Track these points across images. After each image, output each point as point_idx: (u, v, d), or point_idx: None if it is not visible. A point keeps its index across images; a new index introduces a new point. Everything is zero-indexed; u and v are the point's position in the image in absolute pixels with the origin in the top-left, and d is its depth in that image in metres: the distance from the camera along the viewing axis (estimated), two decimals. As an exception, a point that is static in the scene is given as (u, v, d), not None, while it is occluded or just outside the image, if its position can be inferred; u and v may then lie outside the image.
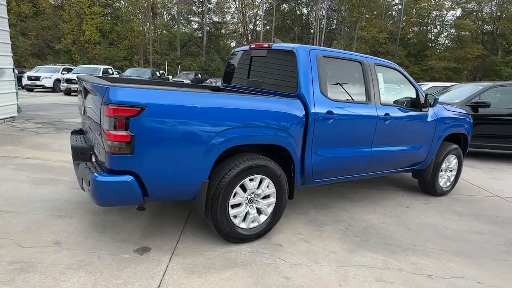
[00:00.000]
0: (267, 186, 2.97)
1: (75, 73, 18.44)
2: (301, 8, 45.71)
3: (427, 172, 4.51)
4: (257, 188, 2.92)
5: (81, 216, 3.22)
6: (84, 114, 2.87)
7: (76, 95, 16.69)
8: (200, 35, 41.49)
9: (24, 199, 3.48)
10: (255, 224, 2.99)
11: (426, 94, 4.16)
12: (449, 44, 36.26)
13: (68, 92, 17.49)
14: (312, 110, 3.11)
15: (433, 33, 39.52)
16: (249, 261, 2.70)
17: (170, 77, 27.77)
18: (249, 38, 44.32)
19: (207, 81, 29.22)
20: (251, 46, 3.89)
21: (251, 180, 2.85)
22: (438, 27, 38.93)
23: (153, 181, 2.42)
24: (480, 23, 36.35)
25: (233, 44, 49.22)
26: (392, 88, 4.21)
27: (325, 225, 3.51)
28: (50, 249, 2.61)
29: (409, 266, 2.82)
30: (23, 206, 3.32)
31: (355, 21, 35.72)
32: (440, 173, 4.66)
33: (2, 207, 3.27)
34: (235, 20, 43.97)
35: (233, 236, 2.86)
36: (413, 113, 4.04)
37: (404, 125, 3.97)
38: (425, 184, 4.68)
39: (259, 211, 3.01)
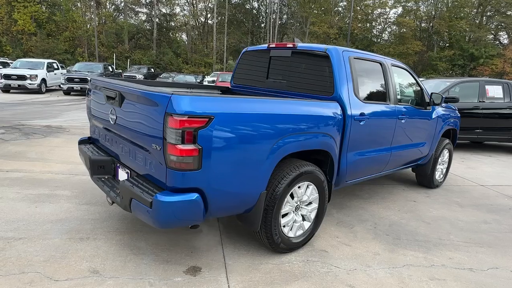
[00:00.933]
0: (312, 192, 2.90)
1: (15, 67, 16.54)
2: (251, 1, 45.65)
3: (427, 166, 4.76)
4: (303, 195, 2.84)
5: (105, 236, 2.87)
6: (114, 123, 2.54)
7: (15, 93, 15.01)
8: (149, 27, 39.56)
9: (29, 222, 3.01)
10: (300, 232, 2.91)
11: (431, 93, 4.36)
12: (391, 40, 38.73)
13: (7, 90, 15.63)
14: (349, 112, 3.09)
15: (378, 30, 42.04)
16: (306, 271, 2.61)
17: (120, 71, 26.14)
18: (201, 31, 43.30)
19: (161, 76, 28.06)
20: (270, 46, 3.74)
21: (299, 187, 2.76)
22: (382, 24, 41.45)
23: (217, 197, 2.22)
24: (418, 21, 39.32)
25: (184, 37, 47.78)
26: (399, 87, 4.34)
27: (354, 226, 3.53)
28: (91, 279, 2.29)
29: (448, 262, 2.94)
30: (32, 230, 2.88)
31: (306, 16, 36.58)
32: (437, 167, 4.94)
33: (7, 233, 2.80)
34: (186, 12, 42.63)
35: (283, 246, 2.76)
36: (421, 111, 4.22)
37: (415, 123, 4.13)
38: (424, 177, 4.93)
39: (303, 218, 2.93)
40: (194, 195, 2.09)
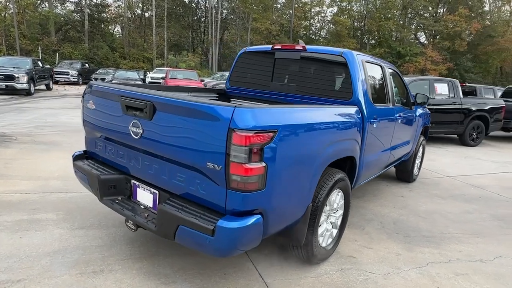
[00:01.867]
0: (340, 199, 2.86)
1: None
2: (190, -6, 44.34)
3: (409, 162, 5.04)
4: (334, 203, 2.79)
5: (121, 266, 2.50)
6: (139, 137, 2.18)
7: None
8: (80, 18, 36.19)
9: (21, 258, 2.50)
10: (330, 240, 2.86)
11: (416, 94, 4.61)
12: (329, 38, 40.64)
13: None
14: (366, 116, 3.10)
15: (316, 27, 43.86)
16: (347, 281, 2.57)
17: (49, 66, 23.54)
18: (138, 24, 40.87)
19: (98, 72, 25.95)
20: (275, 47, 3.59)
21: (331, 195, 2.70)
22: (320, 22, 43.32)
23: (274, 216, 2.06)
24: (352, 20, 41.80)
25: (117, 29, 44.68)
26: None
27: (365, 227, 3.59)
28: (130, 322, 1.97)
29: (460, 255, 3.13)
30: (29, 268, 2.39)
31: (248, 12, 36.63)
32: (416, 162, 5.27)
33: (-1, 275, 2.28)
34: (120, 3, 39.81)
35: (320, 257, 2.68)
36: (409, 111, 4.43)
37: (406, 123, 4.33)
38: (405, 173, 5.22)
39: (332, 226, 2.88)
40: (258, 218, 1.90)
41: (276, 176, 1.93)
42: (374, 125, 3.27)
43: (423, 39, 46.02)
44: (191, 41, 43.50)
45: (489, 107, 9.15)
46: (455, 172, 6.23)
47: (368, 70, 3.35)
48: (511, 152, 8.88)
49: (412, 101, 4.57)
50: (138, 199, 2.44)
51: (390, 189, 4.98)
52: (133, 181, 2.45)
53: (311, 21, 43.13)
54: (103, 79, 24.53)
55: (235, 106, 1.78)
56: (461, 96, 8.92)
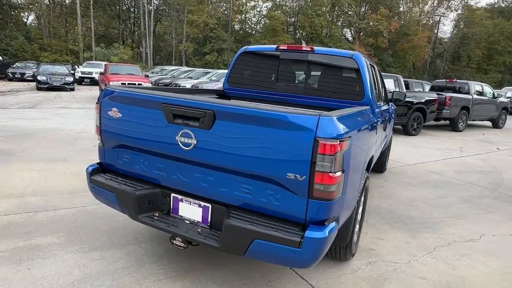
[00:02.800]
0: (362, 195, 3.00)
1: None
2: (117, -18, 41.31)
3: (384, 154, 5.45)
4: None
5: (161, 287, 2.31)
6: (192, 148, 2.01)
7: None
8: (-16, 3, 31.37)
9: (43, 292, 2.15)
10: (356, 236, 2.99)
11: (393, 91, 4.98)
12: (265, 33, 41.32)
13: None
14: (376, 115, 3.28)
15: (253, 22, 44.28)
16: (380, 273, 2.73)
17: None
18: (58, 11, 36.82)
19: (15, 66, 22.94)
20: (280, 48, 3.57)
21: (360, 194, 2.83)
22: (257, 16, 43.78)
23: (342, 221, 2.09)
24: (286, 16, 43.03)
25: (32, 18, 39.81)
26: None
27: (367, 219, 3.81)
28: None
29: (455, 237, 3.52)
30: (60, 303, 2.07)
31: (183, 4, 35.43)
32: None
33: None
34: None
35: (353, 253, 2.79)
36: (389, 107, 4.78)
37: (390, 118, 4.67)
38: (380, 164, 5.63)
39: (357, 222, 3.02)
40: (335, 225, 1.92)
41: (347, 182, 1.97)
42: (380, 123, 3.48)
43: (349, 35, 49.52)
44: (121, 32, 40.68)
45: (425, 99, 10.25)
46: (412, 161, 6.90)
47: (370, 70, 3.53)
48: (446, 140, 10.10)
49: (389, 98, 4.93)
50: (180, 214, 2.27)
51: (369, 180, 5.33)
52: (173, 195, 2.27)
53: (246, 15, 43.37)
54: (22, 74, 21.77)
55: (319, 114, 1.76)
56: (405, 90, 9.85)
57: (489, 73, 50.04)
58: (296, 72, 3.57)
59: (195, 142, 2.02)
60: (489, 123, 13.79)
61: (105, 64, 15.93)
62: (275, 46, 3.61)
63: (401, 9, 48.31)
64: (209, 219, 2.17)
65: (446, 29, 61.11)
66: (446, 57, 49.67)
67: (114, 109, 2.32)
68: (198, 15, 34.80)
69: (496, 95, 13.22)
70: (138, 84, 12.97)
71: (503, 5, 59.66)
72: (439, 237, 3.49)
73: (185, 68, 21.51)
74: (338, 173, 1.81)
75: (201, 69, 21.71)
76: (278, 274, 2.60)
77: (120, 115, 2.30)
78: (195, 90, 3.86)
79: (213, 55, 36.78)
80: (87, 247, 2.72)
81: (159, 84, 16.54)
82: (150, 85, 13.53)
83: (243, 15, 42.46)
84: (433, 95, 10.73)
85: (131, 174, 2.42)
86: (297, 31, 44.36)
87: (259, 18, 44.24)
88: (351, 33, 49.57)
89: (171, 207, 2.29)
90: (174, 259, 2.67)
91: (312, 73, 3.49)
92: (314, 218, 1.86)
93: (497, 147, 9.22)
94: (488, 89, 12.97)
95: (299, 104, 3.48)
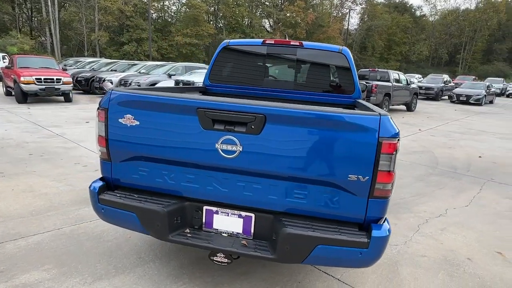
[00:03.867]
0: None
1: None
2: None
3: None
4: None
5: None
6: (236, 156, 1.83)
7: None
8: None
9: None
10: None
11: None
12: (186, 22, 39.82)
13: None
14: (363, 108, 3.44)
15: (172, 10, 42.32)
16: (389, 257, 2.91)
17: None
18: None
19: None
20: (266, 42, 3.46)
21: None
22: (176, 5, 41.93)
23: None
24: (207, 5, 42.08)
25: None
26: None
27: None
28: None
29: (428, 214, 3.93)
30: None
31: (93, -12, 32.06)
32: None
33: None
34: None
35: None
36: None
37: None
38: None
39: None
40: (387, 221, 1.96)
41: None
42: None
43: (267, 25, 50.77)
44: (17, 18, 35.22)
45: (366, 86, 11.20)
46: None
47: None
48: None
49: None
50: (215, 227, 2.08)
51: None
52: (206, 207, 2.07)
53: (164, 3, 41.26)
54: None
55: (379, 114, 1.76)
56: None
57: (390, 61, 56.56)
58: (284, 67, 3.53)
59: (240, 149, 1.86)
60: (404, 107, 15.60)
61: (11, 56, 13.67)
62: (260, 40, 3.50)
63: (315, 1, 51.23)
64: (251, 230, 2.04)
65: (353, 21, 66.88)
66: (355, 47, 54.39)
67: (128, 116, 2.00)
68: (111, 1, 31.86)
69: (409, 82, 14.99)
70: (57, 79, 11.47)
71: (397, 0, 67.59)
72: (416, 215, 3.86)
73: (106, 60, 19.62)
74: (394, 171, 1.85)
75: (126, 61, 20.13)
76: (304, 273, 2.59)
77: (137, 122, 1.99)
78: (176, 89, 3.52)
79: (132, 45, 34.26)
80: (90, 278, 2.33)
81: (78, 78, 14.87)
82: (70, 79, 12.04)
83: (161, 2, 40.28)
84: (371, 83, 11.77)
85: (149, 188, 2.13)
86: (219, 20, 43.88)
87: (179, 6, 42.53)
88: (270, 23, 50.92)
89: (204, 221, 2.09)
90: (193, 275, 2.46)
91: (301, 68, 3.48)
92: (373, 217, 1.88)
93: (418, 128, 10.49)
94: (403, 77, 14.64)
95: (289, 100, 3.45)
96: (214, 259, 2.02)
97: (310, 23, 44.14)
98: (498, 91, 26.94)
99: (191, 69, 14.54)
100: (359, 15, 61.03)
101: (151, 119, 1.98)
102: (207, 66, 17.16)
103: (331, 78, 3.44)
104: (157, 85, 12.12)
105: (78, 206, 3.46)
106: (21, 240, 2.73)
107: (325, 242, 1.80)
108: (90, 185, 2.17)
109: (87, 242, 2.78)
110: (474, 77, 32.98)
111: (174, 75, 13.92)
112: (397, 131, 1.80)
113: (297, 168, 1.85)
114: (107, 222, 2.19)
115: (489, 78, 31.59)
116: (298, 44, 3.44)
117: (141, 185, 2.14)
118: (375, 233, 1.80)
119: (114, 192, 2.15)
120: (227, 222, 2.06)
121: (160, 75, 13.96)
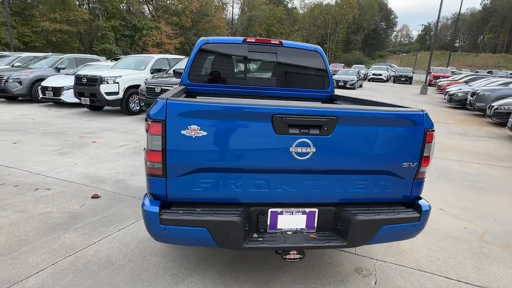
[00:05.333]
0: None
1: None
2: None
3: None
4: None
5: (270, 308, 2.17)
6: (309, 157, 1.91)
7: None
8: None
9: None
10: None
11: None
12: (53, 4, 34.07)
13: None
14: (336, 102, 3.85)
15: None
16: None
17: None
18: None
19: None
20: (247, 40, 3.48)
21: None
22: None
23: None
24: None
25: None
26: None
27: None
28: None
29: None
30: None
31: None
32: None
33: None
34: None
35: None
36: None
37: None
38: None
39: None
40: (422, 198, 2.38)
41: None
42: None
43: (147, 13, 47.84)
44: None
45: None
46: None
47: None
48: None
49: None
50: (279, 227, 2.17)
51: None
52: (271, 210, 2.12)
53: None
54: None
55: (422, 109, 2.12)
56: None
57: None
58: (265, 65, 3.63)
59: (313, 150, 1.98)
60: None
61: None
62: (241, 38, 3.51)
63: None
64: (315, 223, 2.19)
65: (235, 11, 68.77)
66: (238, 36, 56.22)
67: (194, 127, 1.86)
68: None
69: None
70: None
71: (271, -7, 72.40)
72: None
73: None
74: (431, 157, 2.25)
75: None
76: (330, 253, 2.86)
77: (204, 133, 1.88)
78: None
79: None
80: (139, 307, 2.10)
81: None
82: None
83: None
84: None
85: (211, 200, 2.04)
86: (92, 4, 39.24)
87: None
88: (149, 10, 48.01)
89: (268, 223, 2.14)
90: (238, 279, 2.46)
91: (281, 65, 3.64)
92: (415, 196, 2.26)
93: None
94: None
95: (272, 96, 3.60)
96: (287, 257, 2.10)
97: (195, 11, 43.53)
98: (362, 76, 32.03)
99: (84, 62, 12.82)
100: (239, 5, 63.18)
101: (220, 129, 1.90)
102: (101, 58, 15.30)
103: (309, 75, 3.72)
104: (46, 81, 10.33)
105: (53, 234, 2.92)
106: (16, 287, 2.21)
107: (389, 222, 2.10)
108: (143, 206, 1.94)
109: (102, 271, 2.43)
110: (343, 64, 38.31)
111: (64, 68, 12.09)
112: (433, 123, 2.20)
113: (362, 162, 2.07)
114: (167, 242, 2.02)
115: (355, 65, 37.17)
116: (278, 43, 3.58)
117: (202, 197, 2.03)
118: (424, 207, 2.18)
119: (173, 209, 1.98)
120: (291, 221, 2.16)
121: (45, 68, 11.90)
